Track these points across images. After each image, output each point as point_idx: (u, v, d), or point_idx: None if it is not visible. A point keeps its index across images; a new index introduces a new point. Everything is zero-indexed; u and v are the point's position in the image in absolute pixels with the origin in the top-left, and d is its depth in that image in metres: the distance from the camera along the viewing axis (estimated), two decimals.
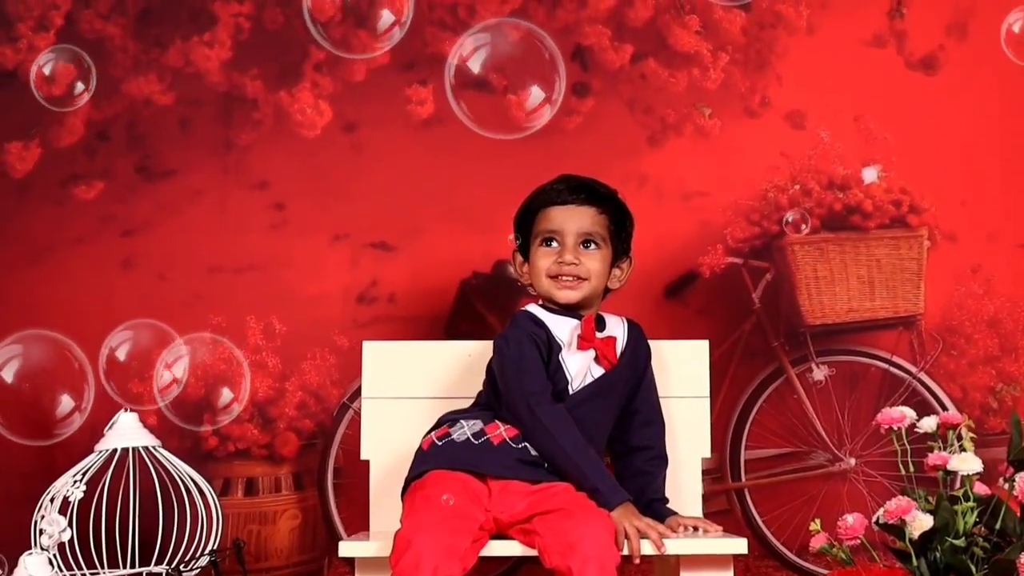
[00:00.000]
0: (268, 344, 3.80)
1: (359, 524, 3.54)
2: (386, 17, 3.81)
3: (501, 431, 2.94)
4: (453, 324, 3.79)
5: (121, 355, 3.79)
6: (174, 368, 3.79)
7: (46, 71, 3.81)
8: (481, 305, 3.79)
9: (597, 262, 3.00)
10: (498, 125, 3.82)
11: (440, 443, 2.96)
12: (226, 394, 3.79)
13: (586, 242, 3.00)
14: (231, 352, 3.80)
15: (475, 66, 3.82)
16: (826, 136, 3.82)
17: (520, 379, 2.94)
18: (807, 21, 3.84)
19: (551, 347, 2.97)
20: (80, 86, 3.80)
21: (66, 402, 3.78)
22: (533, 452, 2.92)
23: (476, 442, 2.93)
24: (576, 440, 2.90)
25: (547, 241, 3.01)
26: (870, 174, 3.81)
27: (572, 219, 3.00)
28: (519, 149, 3.81)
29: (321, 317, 3.80)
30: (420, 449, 3.00)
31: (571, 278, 2.99)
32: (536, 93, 3.82)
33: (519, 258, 3.07)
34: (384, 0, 3.82)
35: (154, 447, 3.35)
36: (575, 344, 2.99)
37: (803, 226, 3.72)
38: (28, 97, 3.82)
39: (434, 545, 2.71)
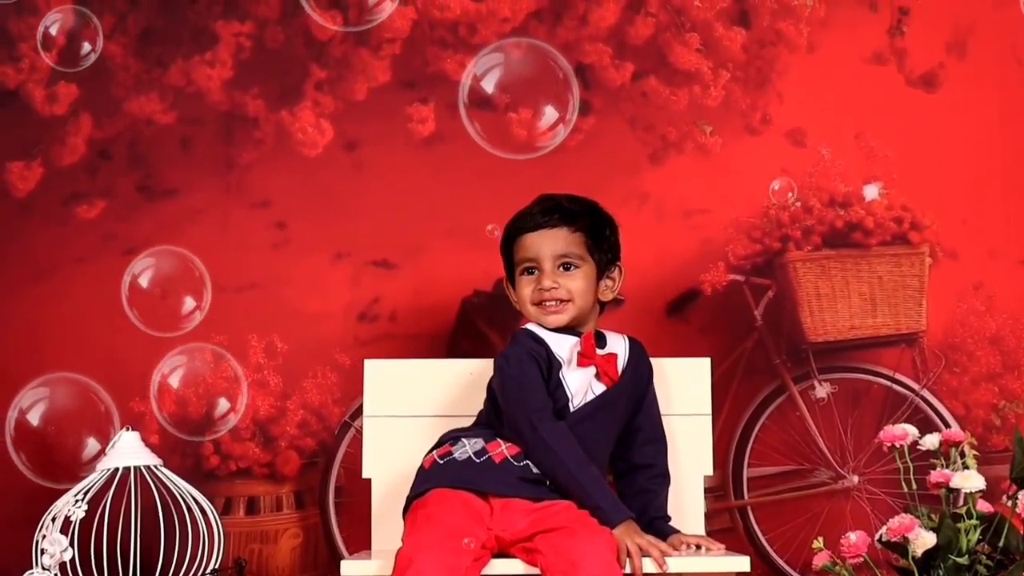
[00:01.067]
0: (269, 362, 3.80)
1: (361, 543, 3.53)
2: None
3: (503, 449, 2.94)
4: (454, 342, 3.79)
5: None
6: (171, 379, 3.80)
7: (52, 31, 3.81)
8: (482, 323, 3.79)
9: (578, 281, 3.00)
10: (513, 146, 3.82)
11: (442, 461, 2.96)
12: (223, 404, 3.79)
13: (565, 264, 3.00)
14: (228, 364, 3.79)
15: (488, 86, 3.82)
16: (827, 153, 3.82)
17: (521, 397, 2.94)
18: (807, 39, 3.84)
19: (551, 364, 2.97)
20: (87, 46, 3.80)
21: (92, 445, 3.78)
22: (535, 470, 2.91)
23: (478, 460, 2.93)
24: (578, 457, 2.89)
25: (527, 269, 3.01)
26: (871, 191, 3.81)
27: (546, 244, 2.99)
28: (520, 167, 3.81)
29: (322, 335, 3.80)
30: (422, 467, 3.00)
31: (554, 302, 2.99)
32: (550, 113, 3.83)
33: (510, 286, 3.08)
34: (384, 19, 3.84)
35: (155, 466, 3.34)
36: (575, 361, 2.99)
37: (790, 195, 3.73)
38: (30, 116, 3.83)
39: (436, 564, 2.71)
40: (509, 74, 3.83)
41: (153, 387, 3.79)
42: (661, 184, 3.83)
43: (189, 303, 3.81)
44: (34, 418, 3.79)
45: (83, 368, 3.79)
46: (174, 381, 3.80)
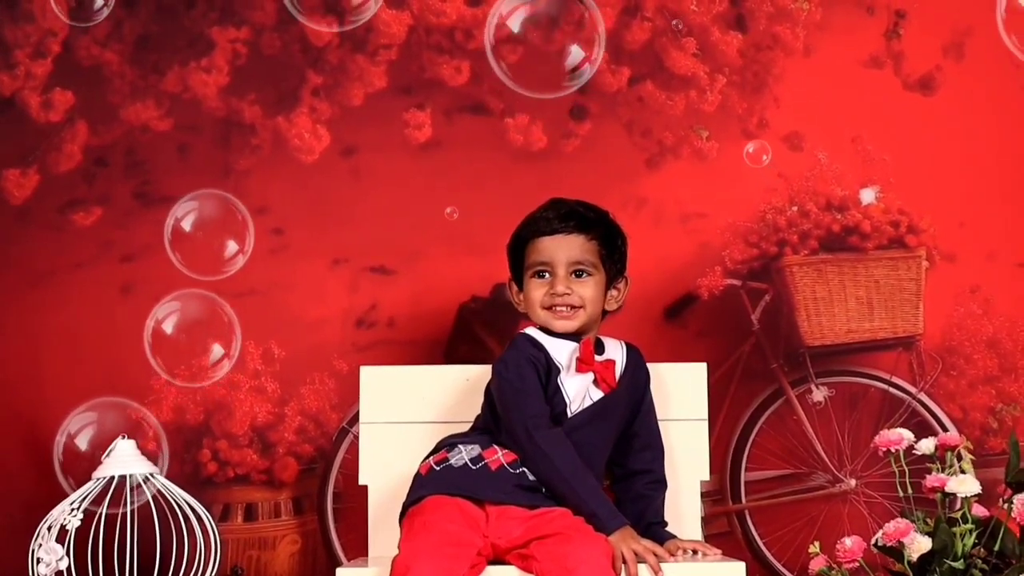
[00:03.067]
0: (267, 369, 3.80)
1: (360, 549, 3.53)
2: None
3: (499, 456, 2.93)
4: (452, 348, 3.79)
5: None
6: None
7: None
8: (480, 329, 3.79)
9: (590, 289, 2.99)
10: (537, 84, 3.81)
11: (438, 468, 2.96)
12: (217, 350, 3.79)
13: (578, 271, 2.99)
14: (221, 308, 3.79)
15: (515, 26, 3.81)
16: (824, 157, 3.82)
17: (519, 402, 2.93)
18: (804, 43, 3.84)
19: (549, 370, 2.97)
20: (99, 1, 3.80)
21: None
22: (531, 477, 2.91)
23: (474, 467, 2.93)
24: (574, 464, 2.89)
25: (539, 273, 3.00)
26: (868, 195, 3.81)
27: (561, 249, 2.99)
28: (517, 172, 3.81)
29: (320, 341, 3.81)
30: (418, 474, 2.99)
31: (565, 308, 2.98)
32: (576, 52, 3.82)
33: (514, 287, 3.07)
34: (379, 23, 3.84)
35: (152, 474, 3.34)
36: (574, 367, 2.99)
37: (764, 157, 3.73)
38: (26, 124, 3.83)
39: (432, 571, 2.71)
40: (533, 14, 3.82)
41: (147, 333, 3.78)
42: (658, 189, 3.83)
43: (232, 246, 3.81)
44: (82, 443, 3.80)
45: (81, 372, 3.79)
46: (167, 327, 3.79)
